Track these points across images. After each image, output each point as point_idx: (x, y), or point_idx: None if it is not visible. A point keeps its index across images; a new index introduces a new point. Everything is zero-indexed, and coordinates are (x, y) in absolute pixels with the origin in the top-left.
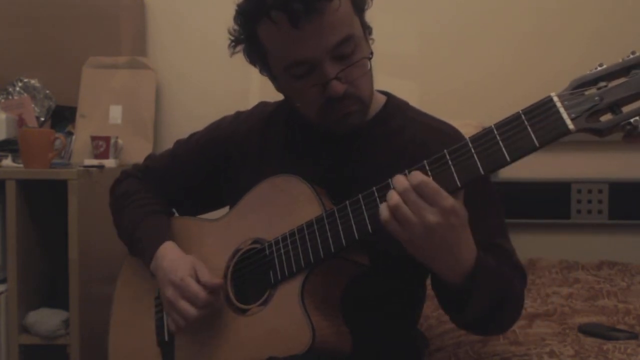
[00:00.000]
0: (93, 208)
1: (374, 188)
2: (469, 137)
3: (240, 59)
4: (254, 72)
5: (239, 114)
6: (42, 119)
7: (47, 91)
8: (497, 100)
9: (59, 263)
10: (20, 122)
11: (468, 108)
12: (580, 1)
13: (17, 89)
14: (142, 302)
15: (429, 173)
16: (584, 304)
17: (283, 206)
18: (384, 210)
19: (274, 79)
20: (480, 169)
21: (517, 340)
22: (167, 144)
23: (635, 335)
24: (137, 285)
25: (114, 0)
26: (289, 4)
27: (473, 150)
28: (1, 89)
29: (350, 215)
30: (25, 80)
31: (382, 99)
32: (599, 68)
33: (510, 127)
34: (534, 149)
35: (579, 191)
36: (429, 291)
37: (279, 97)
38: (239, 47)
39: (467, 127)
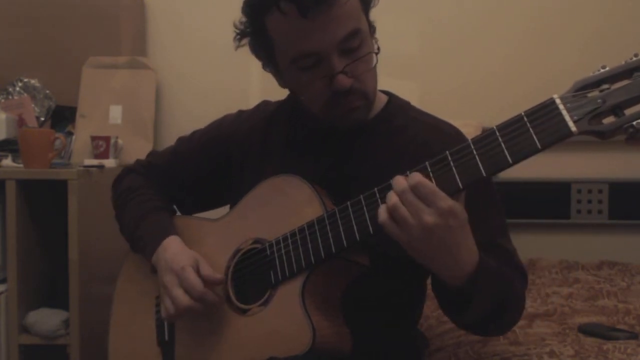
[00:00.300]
0: (93, 208)
1: (376, 189)
2: (471, 139)
3: (240, 58)
4: (254, 71)
5: (241, 113)
6: (42, 119)
7: (47, 91)
8: (497, 100)
9: (59, 263)
10: (20, 122)
11: (468, 108)
12: (580, 1)
13: (17, 89)
14: (142, 302)
15: (431, 174)
16: (584, 304)
17: (284, 206)
18: (382, 211)
19: (278, 73)
20: (482, 170)
21: (517, 340)
22: (167, 144)
23: (635, 335)
24: (137, 285)
25: (114, 0)
26: None
27: (475, 152)
28: (1, 89)
29: (352, 216)
30: (25, 80)
31: (384, 98)
32: (602, 70)
33: (513, 129)
34: (536, 151)
35: (579, 191)
36: (429, 291)
37: (280, 96)
38: (244, 41)
39: (467, 127)
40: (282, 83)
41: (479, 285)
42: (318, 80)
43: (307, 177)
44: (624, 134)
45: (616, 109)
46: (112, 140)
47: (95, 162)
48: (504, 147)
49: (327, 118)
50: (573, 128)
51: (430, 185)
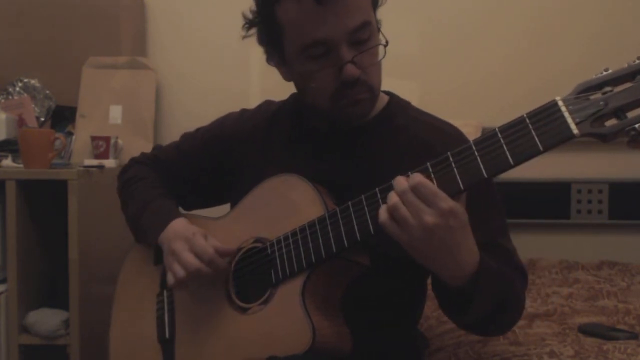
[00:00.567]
0: (93, 208)
1: (377, 189)
2: (473, 140)
3: (240, 58)
4: (254, 71)
5: (243, 112)
6: (42, 119)
7: (47, 91)
8: (497, 100)
9: (59, 263)
10: (20, 122)
11: (468, 108)
12: (580, 1)
13: (17, 89)
14: (143, 300)
15: (432, 175)
16: (584, 304)
17: (285, 206)
18: (382, 211)
19: (285, 64)
20: (484, 172)
21: (517, 340)
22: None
23: (635, 335)
24: (138, 283)
25: (114, 0)
26: None
27: (477, 153)
28: (1, 89)
29: (353, 215)
30: (25, 80)
31: (385, 98)
32: (604, 73)
33: (514, 130)
34: (537, 153)
35: (579, 191)
36: (429, 291)
37: (280, 96)
38: (252, 31)
39: (467, 127)
40: (288, 75)
41: (479, 285)
42: (326, 69)
43: (308, 177)
44: (626, 136)
45: (618, 112)
46: (112, 141)
47: (95, 162)
48: (506, 149)
49: (333, 110)
50: (575, 130)
51: (431, 185)
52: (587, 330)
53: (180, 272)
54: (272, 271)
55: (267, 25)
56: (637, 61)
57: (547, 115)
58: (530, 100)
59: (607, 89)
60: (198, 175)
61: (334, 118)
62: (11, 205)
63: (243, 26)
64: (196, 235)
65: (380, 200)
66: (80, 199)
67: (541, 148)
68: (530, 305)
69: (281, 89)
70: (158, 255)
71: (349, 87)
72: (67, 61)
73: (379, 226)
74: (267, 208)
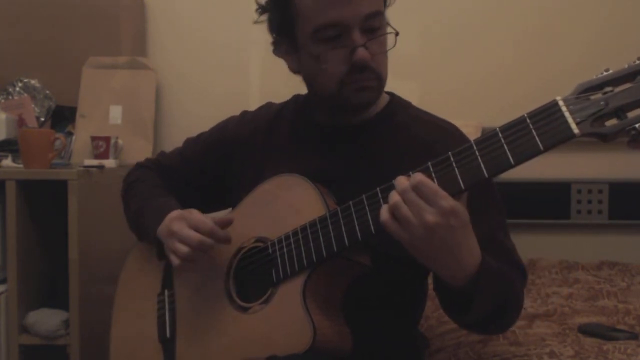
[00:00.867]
0: (93, 208)
1: (378, 189)
2: (474, 140)
3: (240, 58)
4: (254, 72)
5: (245, 114)
6: (42, 119)
7: (47, 91)
8: (497, 101)
9: (59, 263)
10: (20, 122)
11: (468, 108)
12: (580, 1)
13: (17, 89)
14: (144, 299)
15: (433, 175)
16: (584, 304)
17: (286, 205)
18: (384, 210)
19: (294, 51)
20: (485, 171)
21: (517, 340)
22: (167, 144)
23: (635, 335)
24: (139, 282)
25: (114, 0)
26: None
27: (477, 153)
28: (1, 89)
29: (354, 215)
30: (25, 80)
31: (386, 97)
32: (605, 73)
33: (515, 130)
34: (538, 153)
35: (579, 191)
36: (430, 291)
37: (279, 96)
38: (263, 17)
39: (467, 128)
40: (296, 64)
41: (480, 286)
42: (338, 51)
43: (310, 174)
44: (627, 136)
45: (619, 112)
46: (112, 141)
47: (95, 162)
48: (507, 149)
49: (339, 96)
50: (576, 130)
51: (432, 184)
52: (587, 331)
53: (183, 249)
54: (273, 271)
55: (280, 9)
56: (638, 62)
57: (547, 115)
58: (530, 101)
59: (608, 89)
60: (201, 180)
61: (339, 105)
62: (11, 205)
63: (256, 10)
64: (192, 211)
65: (381, 200)
66: (80, 199)
67: (542, 148)
68: (530, 305)
69: (281, 89)
70: (160, 250)
71: (358, 71)
72: (67, 61)
73: (380, 225)
74: (268, 208)
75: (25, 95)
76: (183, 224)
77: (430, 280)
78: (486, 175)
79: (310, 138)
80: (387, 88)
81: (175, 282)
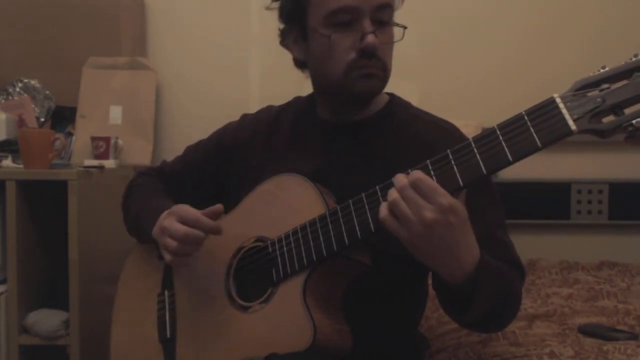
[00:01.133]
0: (93, 208)
1: (377, 187)
2: (472, 137)
3: (240, 59)
4: (254, 72)
5: (245, 117)
6: (42, 119)
7: (47, 92)
8: (497, 101)
9: (59, 263)
10: (20, 122)
11: (468, 108)
12: (580, 1)
13: (17, 89)
14: (144, 299)
15: (432, 172)
16: (584, 305)
17: (286, 205)
18: (383, 207)
19: (304, 39)
20: (483, 168)
21: (517, 341)
22: (167, 144)
23: (635, 335)
24: (139, 283)
25: (114, 0)
26: None
27: (476, 150)
28: (1, 90)
29: (353, 214)
30: (25, 80)
31: (386, 97)
32: (602, 70)
33: (513, 127)
34: (536, 150)
35: (579, 191)
36: (430, 292)
37: (280, 95)
38: (275, 4)
39: (467, 128)
40: (304, 52)
41: (479, 284)
42: (348, 38)
43: (310, 173)
44: (624, 132)
45: (616, 108)
46: (112, 141)
47: (95, 162)
48: (505, 146)
49: (345, 82)
50: (573, 127)
51: (431, 182)
52: (587, 331)
53: (171, 243)
54: (273, 270)
55: None
56: (634, 59)
57: (545, 112)
58: (530, 101)
59: (605, 86)
60: (203, 186)
61: (344, 93)
62: (11, 205)
63: None
64: (179, 205)
65: (380, 198)
66: (80, 199)
67: (540, 144)
68: (530, 305)
69: (281, 89)
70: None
71: (366, 57)
72: (67, 61)
73: (380, 223)
74: (268, 207)
75: (25, 95)
76: (172, 219)
77: (430, 281)
78: (485, 172)
79: (311, 135)
80: (387, 88)
81: (176, 282)
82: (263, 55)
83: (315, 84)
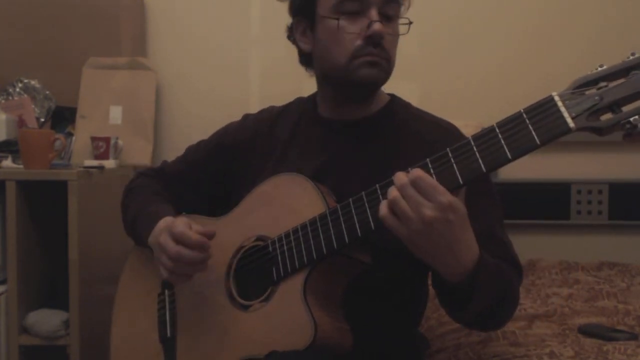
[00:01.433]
0: (93, 208)
1: (377, 185)
2: (471, 136)
3: (240, 59)
4: (254, 72)
5: (246, 117)
6: (42, 119)
7: (47, 92)
8: (497, 101)
9: (59, 263)
10: (20, 122)
11: (468, 108)
12: (580, 1)
13: (17, 89)
14: (144, 299)
15: (431, 171)
16: (584, 305)
17: (286, 204)
18: (382, 205)
19: (312, 30)
20: (482, 166)
21: (517, 341)
22: (167, 145)
23: (635, 336)
24: (140, 282)
25: (114, 0)
26: None
27: (475, 149)
28: (1, 90)
29: (353, 212)
30: (25, 81)
31: (386, 97)
32: (600, 69)
33: (512, 125)
34: (535, 147)
35: (579, 192)
36: (430, 293)
37: (279, 95)
38: None
39: (467, 128)
40: (311, 43)
41: (478, 282)
42: (355, 25)
43: (310, 170)
44: (622, 130)
45: (613, 106)
46: (112, 141)
47: (96, 162)
48: (504, 144)
49: (349, 69)
50: (571, 124)
51: (430, 180)
52: (587, 331)
53: (167, 262)
54: (274, 269)
55: None
56: (631, 57)
57: (543, 110)
58: (530, 101)
59: (602, 84)
60: (204, 186)
61: (347, 81)
62: (11, 205)
63: None
64: (175, 222)
65: (380, 196)
66: (80, 199)
67: (538, 142)
68: (530, 306)
69: (281, 89)
70: None
71: (371, 44)
72: (67, 61)
73: (379, 221)
74: (269, 207)
75: (25, 95)
76: (168, 237)
77: (430, 281)
78: (484, 170)
79: (312, 134)
80: (388, 89)
81: None
82: (263, 55)
83: (319, 73)
